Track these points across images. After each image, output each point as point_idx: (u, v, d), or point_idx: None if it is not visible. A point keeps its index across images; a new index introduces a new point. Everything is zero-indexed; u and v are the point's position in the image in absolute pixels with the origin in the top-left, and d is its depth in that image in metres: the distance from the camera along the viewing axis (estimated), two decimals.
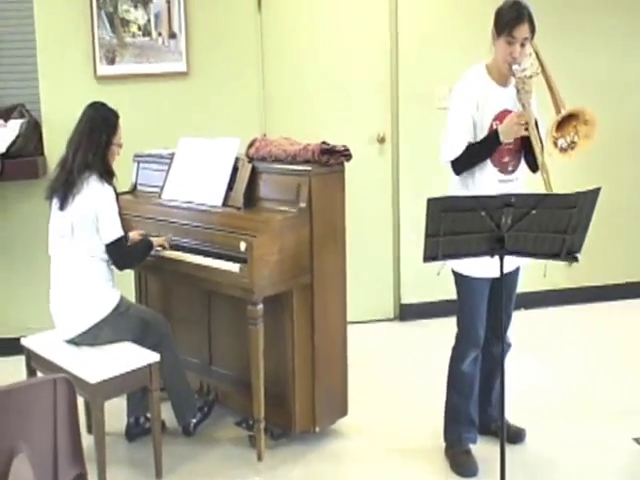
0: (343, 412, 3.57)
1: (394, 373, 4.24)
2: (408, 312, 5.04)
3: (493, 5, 4.66)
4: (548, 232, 2.33)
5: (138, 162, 4.10)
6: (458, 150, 2.97)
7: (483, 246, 2.39)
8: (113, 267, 3.30)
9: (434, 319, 4.95)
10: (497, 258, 2.94)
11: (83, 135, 3.22)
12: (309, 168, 3.29)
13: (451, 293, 4.94)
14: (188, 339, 3.79)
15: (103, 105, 3.33)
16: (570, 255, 2.36)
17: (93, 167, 3.18)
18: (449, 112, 3.08)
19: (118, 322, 3.22)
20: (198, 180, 3.63)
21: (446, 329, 4.82)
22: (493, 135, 2.91)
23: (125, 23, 4.52)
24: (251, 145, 3.55)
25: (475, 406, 3.27)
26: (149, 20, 4.54)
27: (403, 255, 5.03)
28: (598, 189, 2.34)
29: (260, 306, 3.14)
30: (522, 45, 2.91)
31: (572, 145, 2.85)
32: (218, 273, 3.23)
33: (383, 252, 5.05)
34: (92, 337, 3.21)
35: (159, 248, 3.43)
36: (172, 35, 4.56)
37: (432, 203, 2.31)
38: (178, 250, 3.45)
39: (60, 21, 4.51)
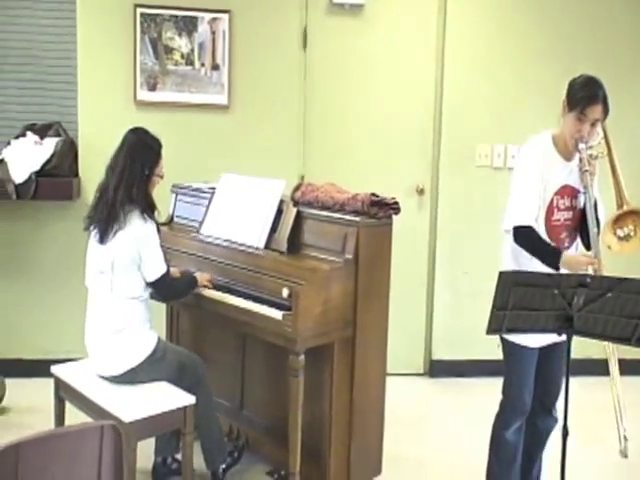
0: (377, 470, 3.49)
1: (426, 432, 4.15)
2: (438, 368, 4.96)
3: (537, 67, 4.79)
4: (621, 316, 2.26)
5: (176, 194, 4.04)
6: (524, 220, 2.83)
7: (550, 324, 2.32)
8: (152, 302, 3.22)
9: (463, 378, 4.92)
10: None
11: (125, 166, 3.11)
12: (357, 219, 3.23)
13: (481, 353, 4.96)
14: (219, 381, 3.69)
15: (145, 132, 3.22)
16: None
17: (135, 201, 3.09)
18: (515, 177, 2.95)
19: (154, 367, 3.14)
20: (240, 219, 3.56)
21: (476, 389, 4.85)
22: (556, 256, 2.77)
23: (168, 50, 4.48)
24: (297, 189, 3.49)
25: (517, 476, 3.18)
26: (192, 49, 4.49)
27: (436, 311, 4.96)
28: None
29: (302, 357, 3.06)
30: (592, 125, 2.83)
31: (627, 238, 2.82)
32: (260, 318, 3.14)
33: (416, 306, 4.97)
34: (126, 379, 3.12)
35: (204, 286, 3.35)
36: (215, 66, 4.52)
37: (504, 276, 2.24)
38: (218, 290, 3.38)
39: (103, 42, 4.47)
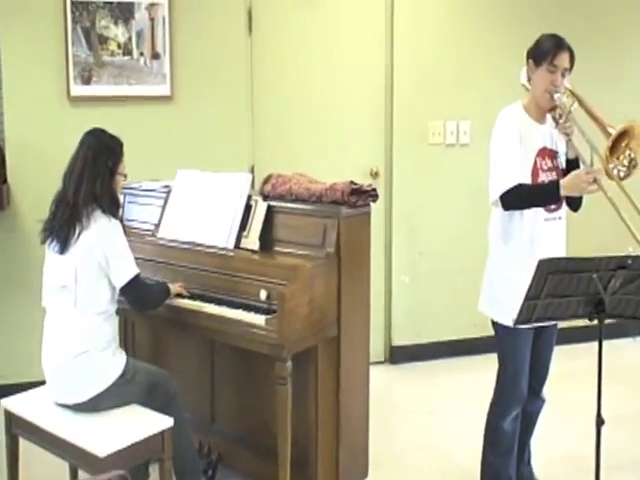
0: (364, 473, 3.30)
1: (401, 425, 3.99)
2: (399, 354, 4.81)
3: (487, 42, 4.69)
4: None
5: (125, 195, 3.71)
6: (510, 183, 2.77)
7: (581, 309, 2.19)
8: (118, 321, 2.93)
9: (424, 361, 4.81)
10: None
11: (86, 164, 2.84)
12: (338, 209, 3.02)
13: (440, 334, 4.87)
14: (185, 394, 3.36)
15: (104, 132, 2.96)
16: None
17: (101, 198, 2.81)
18: (493, 149, 2.89)
19: (123, 390, 2.83)
20: (203, 218, 3.29)
21: (439, 372, 4.75)
22: (554, 186, 2.74)
23: (103, 40, 4.12)
24: (266, 181, 3.24)
25: (514, 465, 3.07)
26: (130, 38, 4.15)
27: (395, 295, 4.80)
28: None
29: (289, 363, 2.83)
30: (562, 75, 2.83)
31: (633, 164, 2.74)
32: (238, 325, 2.89)
33: (374, 291, 4.76)
34: (92, 406, 2.80)
35: (177, 295, 3.07)
36: (155, 56, 4.19)
37: (542, 264, 2.09)
38: (185, 298, 3.10)
39: (29, 33, 4.06)
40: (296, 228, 3.10)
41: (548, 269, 2.09)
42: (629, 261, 2.12)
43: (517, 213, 2.85)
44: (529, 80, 2.93)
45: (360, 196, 3.07)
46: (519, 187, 2.77)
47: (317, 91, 4.53)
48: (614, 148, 2.74)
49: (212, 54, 4.29)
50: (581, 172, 2.70)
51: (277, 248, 3.14)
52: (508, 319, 2.85)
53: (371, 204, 3.16)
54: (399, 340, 4.83)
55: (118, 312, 3.01)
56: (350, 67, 4.56)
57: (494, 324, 2.98)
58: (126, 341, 3.68)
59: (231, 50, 4.32)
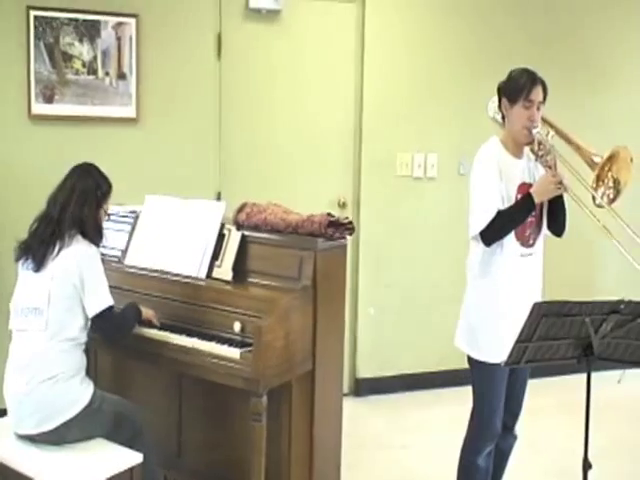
0: None
1: (371, 458, 3.92)
2: (363, 387, 4.75)
3: (456, 77, 4.72)
4: None
5: None
6: (489, 217, 2.77)
7: (570, 352, 2.18)
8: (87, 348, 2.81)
9: (389, 394, 4.76)
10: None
11: (74, 190, 2.81)
12: (314, 241, 2.96)
13: (405, 367, 4.83)
14: (150, 427, 3.26)
15: (96, 168, 2.93)
16: None
17: (85, 223, 2.77)
18: (473, 186, 2.88)
19: (90, 420, 2.72)
20: (174, 246, 3.19)
21: (405, 404, 4.70)
22: (527, 198, 2.79)
23: (67, 58, 3.99)
24: (240, 210, 3.16)
25: None
26: (95, 57, 4.04)
27: (360, 327, 4.76)
28: None
29: (264, 399, 2.73)
30: (537, 109, 2.85)
31: (617, 182, 2.81)
32: (210, 358, 2.80)
33: None
34: (57, 437, 2.67)
35: (149, 322, 2.96)
36: (121, 76, 4.08)
37: (537, 307, 2.06)
38: (154, 328, 2.99)
39: None
40: (271, 259, 3.03)
41: (542, 312, 2.07)
42: (622, 306, 2.12)
43: (497, 249, 2.84)
44: (503, 117, 2.93)
45: (337, 228, 3.02)
46: (495, 217, 2.78)
47: (286, 118, 4.48)
48: (599, 178, 2.79)
49: (180, 76, 4.21)
50: (547, 176, 2.79)
51: (251, 279, 3.05)
52: (485, 356, 2.88)
53: (347, 237, 3.11)
54: (364, 372, 4.77)
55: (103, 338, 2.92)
56: (319, 96, 4.54)
57: (470, 360, 2.95)
58: (88, 371, 3.52)
59: (199, 73, 4.25)
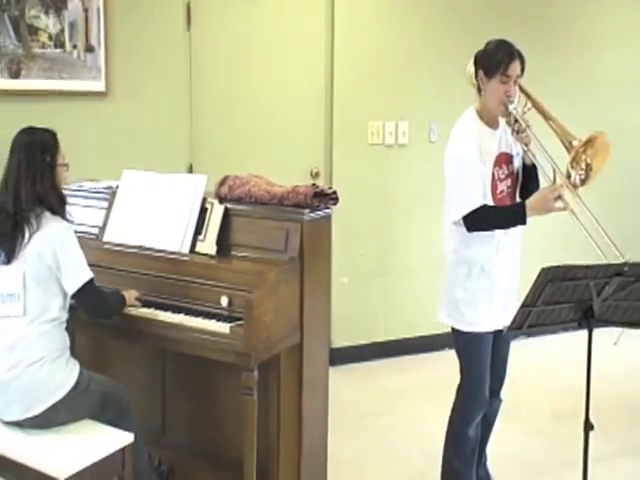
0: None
1: (350, 428, 3.94)
2: (338, 356, 4.75)
3: (426, 44, 4.70)
4: None
5: None
6: (474, 204, 2.73)
7: (571, 316, 2.21)
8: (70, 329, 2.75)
9: (364, 362, 4.80)
10: (499, 310, 2.86)
11: (20, 167, 2.66)
12: (301, 213, 2.93)
13: (380, 335, 4.86)
14: (133, 405, 3.23)
15: (33, 128, 2.79)
16: None
17: (45, 198, 2.64)
18: (453, 165, 2.82)
19: (78, 401, 2.66)
20: (155, 221, 3.13)
21: (379, 374, 4.74)
22: (520, 209, 2.71)
23: (33, 31, 3.86)
24: (222, 183, 3.11)
25: (474, 469, 3.08)
26: (62, 29, 3.92)
27: (335, 296, 4.71)
28: None
29: (256, 373, 2.72)
30: (515, 83, 2.81)
31: (589, 167, 2.76)
32: (199, 334, 2.76)
33: None
34: (45, 421, 2.62)
35: (132, 305, 2.89)
36: (89, 48, 3.97)
37: (543, 272, 2.07)
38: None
39: None
40: (256, 232, 2.99)
41: (549, 277, 2.08)
42: (626, 268, 2.14)
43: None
44: (479, 89, 2.87)
45: (322, 199, 3.00)
46: (483, 209, 2.73)
47: (257, 89, 4.42)
48: (574, 157, 2.75)
49: (149, 48, 4.12)
50: (546, 191, 2.70)
51: (235, 253, 3.01)
52: (471, 327, 2.89)
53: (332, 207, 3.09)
54: (338, 342, 4.78)
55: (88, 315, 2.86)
56: (290, 66, 4.49)
57: (455, 332, 2.95)
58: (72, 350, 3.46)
59: (169, 45, 4.17)
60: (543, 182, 2.85)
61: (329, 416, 3.54)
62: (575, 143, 2.74)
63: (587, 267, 2.09)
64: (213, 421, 3.15)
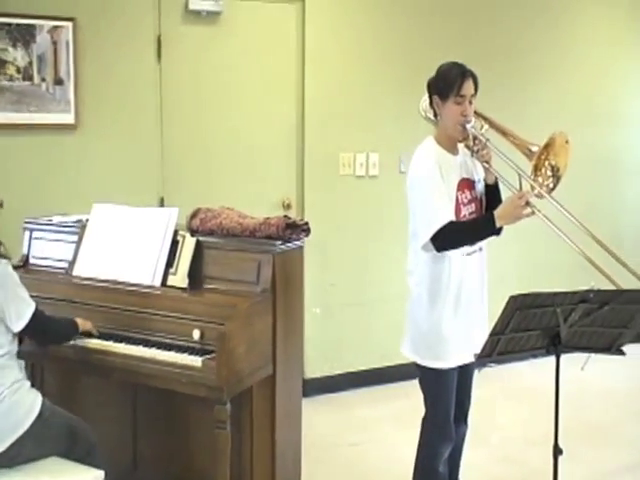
0: None
1: (326, 462, 3.89)
2: (311, 387, 4.73)
3: (394, 75, 4.77)
4: (608, 327, 2.22)
5: (31, 230, 3.45)
6: (440, 222, 2.68)
7: (540, 343, 2.23)
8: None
9: (338, 393, 4.78)
10: (467, 344, 2.84)
11: None
12: (272, 244, 2.93)
13: (353, 365, 4.86)
14: (103, 443, 3.16)
15: None
16: (618, 349, 2.26)
17: None
18: (416, 190, 2.79)
19: (43, 433, 2.61)
20: (126, 255, 3.11)
21: (353, 404, 4.72)
22: (489, 219, 2.69)
23: (1, 64, 3.84)
24: (194, 216, 3.11)
25: None
26: (31, 62, 3.90)
27: (307, 326, 4.72)
28: None
29: (228, 406, 2.69)
30: (470, 103, 2.80)
31: (556, 169, 2.75)
32: (171, 368, 2.73)
33: None
34: (9, 458, 2.55)
35: (87, 333, 2.87)
36: (58, 81, 3.96)
37: (512, 300, 2.09)
38: (107, 339, 2.91)
39: None
40: (228, 264, 2.98)
41: (517, 305, 2.10)
42: (591, 295, 2.17)
43: (446, 254, 2.76)
44: (435, 114, 2.87)
45: (294, 230, 3.01)
46: (452, 225, 2.70)
47: (228, 122, 4.43)
48: (536, 164, 2.73)
49: (119, 81, 4.11)
50: (513, 198, 2.66)
51: (207, 285, 3.00)
52: (438, 363, 2.81)
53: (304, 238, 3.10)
54: (312, 373, 4.76)
55: (23, 356, 2.84)
56: (261, 98, 4.51)
57: (421, 368, 2.88)
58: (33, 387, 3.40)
59: (139, 77, 4.16)
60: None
61: (303, 447, 3.55)
62: (535, 149, 2.72)
63: (554, 294, 2.12)
64: (185, 456, 3.11)
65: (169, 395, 2.90)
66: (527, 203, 2.63)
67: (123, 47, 4.10)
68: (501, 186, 2.90)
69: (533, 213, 2.62)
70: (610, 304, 2.16)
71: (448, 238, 2.71)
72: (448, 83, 2.76)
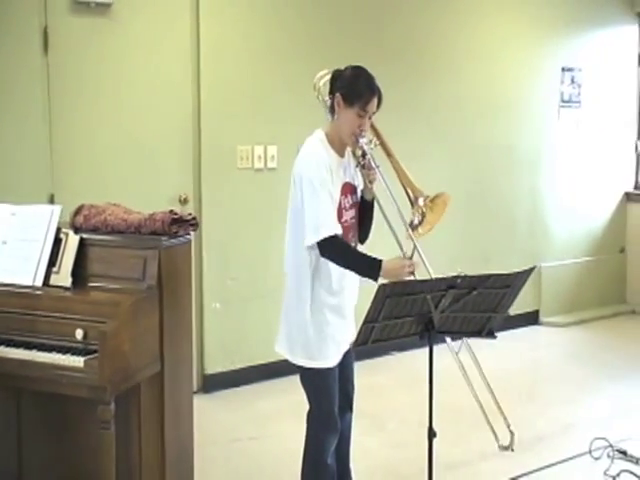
0: None
1: (226, 461, 3.88)
2: (212, 382, 4.72)
3: (292, 67, 4.77)
4: (478, 312, 2.30)
5: None
6: (329, 230, 2.68)
7: (414, 328, 2.29)
8: None
9: (239, 387, 4.78)
10: (343, 336, 2.85)
11: None
12: (158, 240, 2.90)
13: (253, 359, 4.85)
14: None
15: None
16: (490, 333, 2.35)
17: None
18: (306, 187, 2.76)
19: None
20: (5, 255, 3.01)
21: (254, 398, 4.73)
22: (375, 267, 2.63)
23: None
24: (77, 213, 3.04)
25: None
26: None
27: (206, 321, 4.73)
28: (532, 269, 2.35)
29: (112, 405, 2.66)
30: (369, 118, 2.82)
31: (425, 214, 2.85)
32: (51, 370, 2.67)
33: None
34: None
35: None
36: None
37: (382, 288, 2.13)
38: None
39: None
40: (113, 261, 2.94)
41: (386, 294, 2.15)
42: (458, 281, 2.23)
43: (319, 259, 2.77)
44: (332, 108, 2.84)
45: (181, 225, 2.99)
46: (338, 242, 2.70)
47: (121, 114, 4.34)
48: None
49: (4, 74, 3.96)
50: (404, 264, 2.64)
51: (92, 284, 2.95)
52: (318, 362, 2.79)
53: (191, 233, 3.08)
54: (212, 368, 4.74)
55: None
56: (154, 91, 4.43)
57: (302, 369, 2.88)
58: None
59: (25, 71, 4.02)
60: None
61: (199, 444, 3.53)
62: (421, 202, 2.84)
63: (422, 281, 2.19)
64: (74, 460, 3.06)
65: (55, 398, 2.85)
66: (412, 273, 2.64)
67: (7, 39, 3.95)
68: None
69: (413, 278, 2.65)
70: (478, 289, 2.24)
71: (333, 253, 2.71)
72: (357, 93, 2.75)
